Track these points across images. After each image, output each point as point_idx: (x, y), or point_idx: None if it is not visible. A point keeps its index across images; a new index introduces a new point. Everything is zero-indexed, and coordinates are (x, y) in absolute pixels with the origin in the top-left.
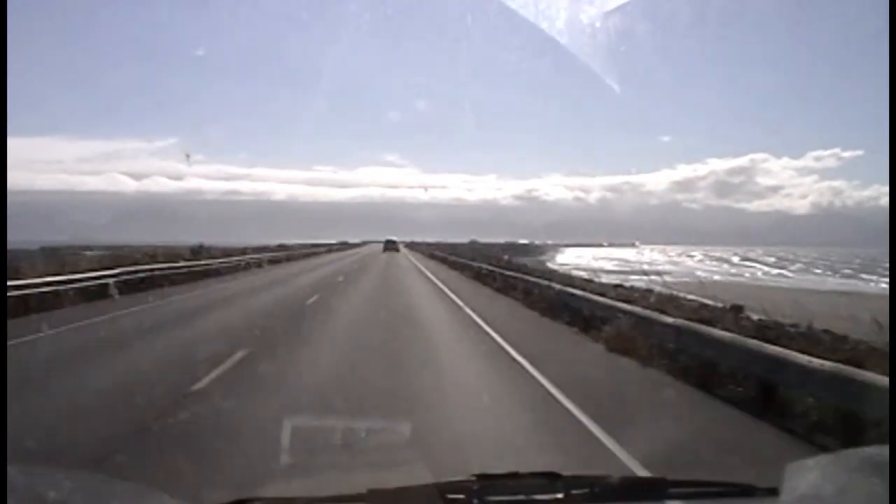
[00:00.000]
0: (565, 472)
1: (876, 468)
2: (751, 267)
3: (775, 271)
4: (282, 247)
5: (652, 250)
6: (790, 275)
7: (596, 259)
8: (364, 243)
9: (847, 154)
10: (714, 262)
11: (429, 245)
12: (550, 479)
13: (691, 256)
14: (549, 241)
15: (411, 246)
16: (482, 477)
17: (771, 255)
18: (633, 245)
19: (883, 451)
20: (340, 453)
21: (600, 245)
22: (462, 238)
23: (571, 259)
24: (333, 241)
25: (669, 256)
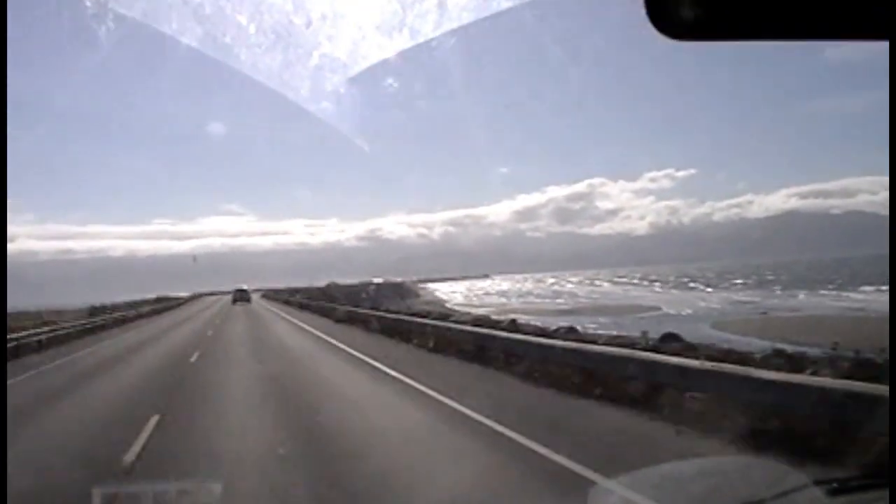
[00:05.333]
0: None
1: (678, 482)
2: (669, 292)
3: (719, 294)
4: None
5: (504, 280)
6: (753, 298)
7: (477, 295)
8: (196, 296)
9: (681, 174)
10: (618, 287)
11: (293, 292)
12: None
13: (559, 283)
14: (398, 279)
15: (276, 297)
16: None
17: (635, 276)
18: (486, 277)
19: (680, 467)
20: None
21: (454, 279)
22: (307, 282)
23: (454, 296)
24: (152, 296)
25: (540, 286)
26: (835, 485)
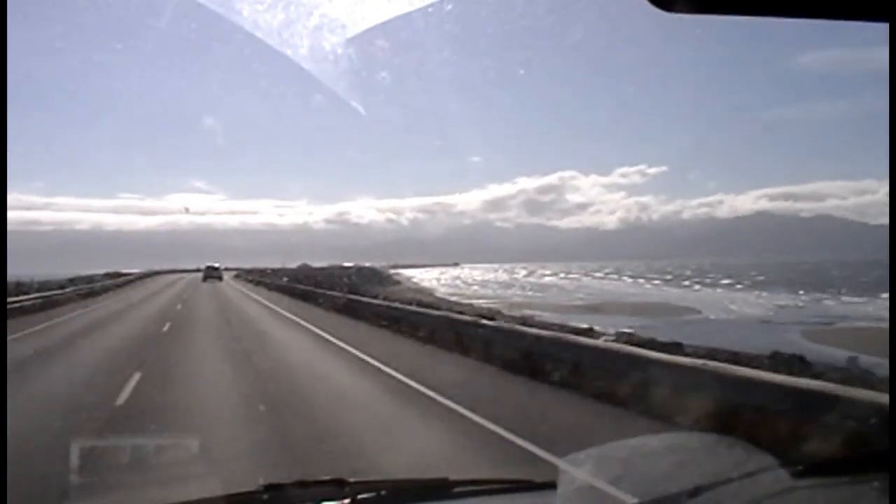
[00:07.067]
0: (351, 479)
1: (645, 457)
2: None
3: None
4: None
5: (475, 269)
6: (780, 301)
7: (457, 284)
8: (152, 273)
9: (652, 170)
10: (607, 283)
11: (277, 274)
12: (338, 486)
13: (534, 276)
14: (367, 264)
15: (250, 279)
16: (270, 487)
17: (607, 270)
18: (456, 265)
19: (647, 442)
20: (130, 472)
21: (423, 266)
22: (280, 264)
23: (434, 284)
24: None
25: (516, 277)
26: (800, 467)
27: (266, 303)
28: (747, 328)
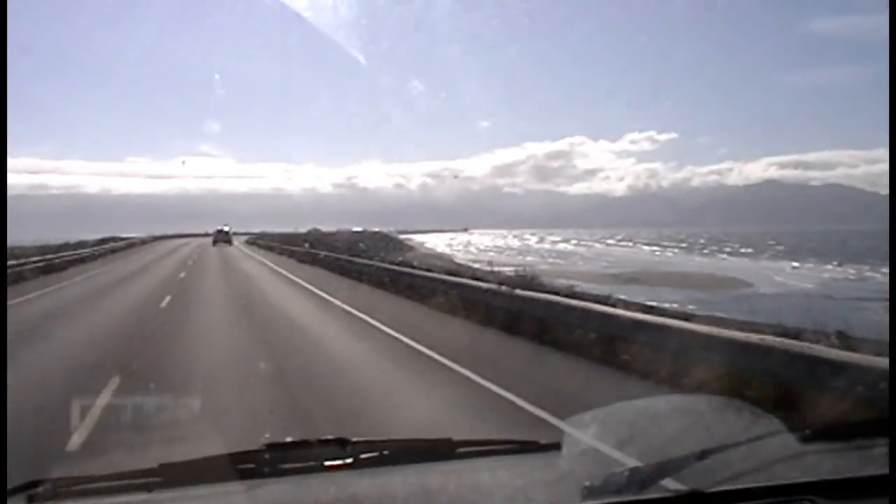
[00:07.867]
0: (354, 438)
1: (651, 419)
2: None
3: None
4: None
5: (484, 235)
6: (823, 274)
7: (472, 251)
8: (153, 239)
9: (662, 137)
10: (622, 249)
11: (287, 239)
12: (340, 445)
13: (547, 242)
14: (375, 228)
15: (266, 245)
16: (273, 446)
17: (618, 237)
18: (465, 230)
19: (654, 403)
20: (131, 431)
21: (433, 231)
22: (286, 228)
23: (447, 250)
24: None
25: (529, 244)
26: (807, 432)
27: (327, 296)
28: (822, 305)
